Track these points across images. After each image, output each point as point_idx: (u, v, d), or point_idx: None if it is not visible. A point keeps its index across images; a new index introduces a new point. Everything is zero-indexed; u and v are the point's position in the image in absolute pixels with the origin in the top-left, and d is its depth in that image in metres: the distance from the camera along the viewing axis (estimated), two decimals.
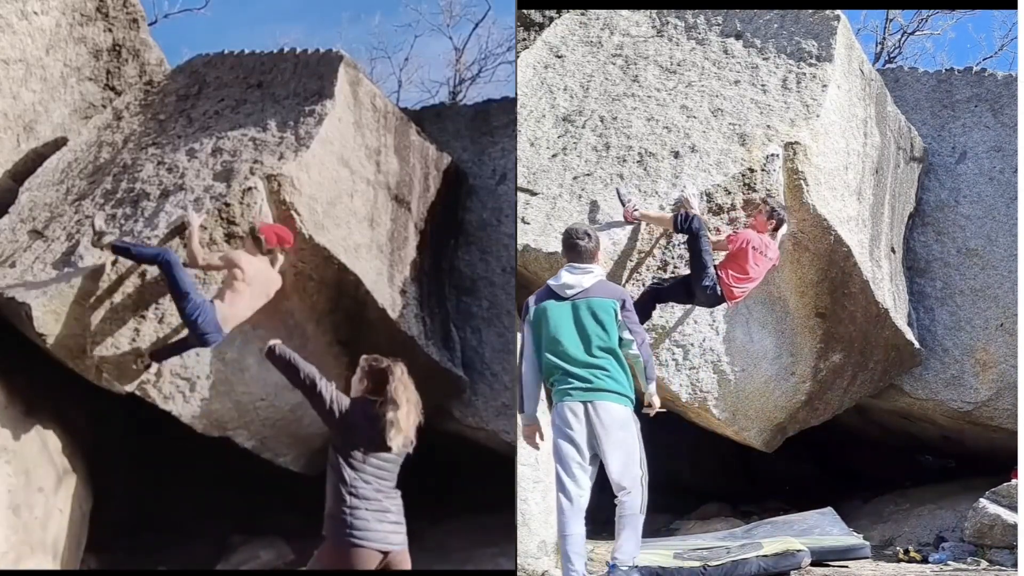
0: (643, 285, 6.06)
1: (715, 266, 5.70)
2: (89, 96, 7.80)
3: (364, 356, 4.27)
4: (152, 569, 6.88)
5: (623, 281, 5.97)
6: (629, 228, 5.92)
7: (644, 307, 5.78)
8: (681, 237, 5.92)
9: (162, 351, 5.82)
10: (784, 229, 6.05)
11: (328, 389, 4.14)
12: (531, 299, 4.63)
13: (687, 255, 5.92)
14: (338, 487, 3.97)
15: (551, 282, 4.59)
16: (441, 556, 6.97)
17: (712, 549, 5.79)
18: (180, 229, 5.79)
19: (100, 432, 6.69)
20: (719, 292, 5.67)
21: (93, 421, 6.58)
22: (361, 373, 4.19)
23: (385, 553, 3.95)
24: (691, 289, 5.76)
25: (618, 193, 5.94)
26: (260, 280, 5.69)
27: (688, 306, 6.30)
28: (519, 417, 4.67)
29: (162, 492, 7.85)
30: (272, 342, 4.39)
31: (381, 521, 3.96)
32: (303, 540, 4.31)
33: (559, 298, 4.50)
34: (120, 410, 6.57)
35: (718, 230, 6.05)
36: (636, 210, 5.87)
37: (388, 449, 4.01)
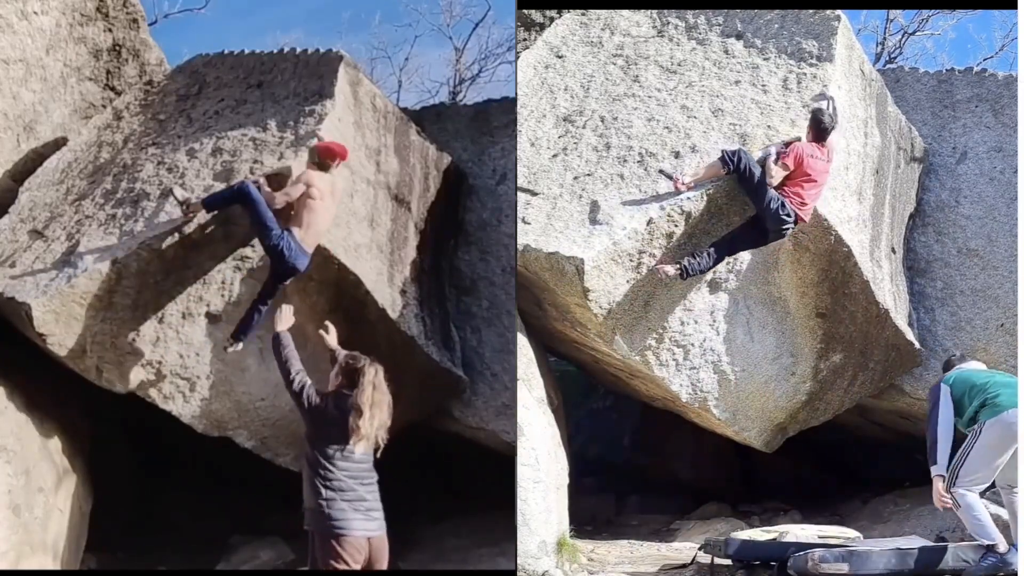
0: (641, 285, 6.06)
1: (777, 189, 5.86)
2: (89, 96, 7.79)
3: (344, 352, 4.49)
4: (152, 569, 6.87)
5: (627, 281, 5.97)
6: (629, 228, 5.90)
7: (715, 257, 6.00)
8: (686, 240, 5.94)
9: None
10: (835, 136, 6.13)
11: (302, 382, 4.37)
12: None
13: (694, 250, 5.95)
14: (313, 480, 4.15)
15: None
16: (440, 556, 6.97)
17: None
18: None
19: (100, 432, 6.69)
20: (788, 210, 5.83)
21: (93, 421, 6.58)
22: (338, 368, 4.41)
23: (368, 539, 4.12)
24: (760, 226, 5.93)
25: (663, 172, 6.06)
26: (329, 193, 5.78)
27: (692, 305, 6.31)
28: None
29: (162, 492, 7.85)
30: (279, 329, 4.63)
31: (357, 510, 4.12)
32: (303, 540, 4.37)
33: None
34: (120, 410, 6.56)
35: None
36: (684, 177, 5.98)
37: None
